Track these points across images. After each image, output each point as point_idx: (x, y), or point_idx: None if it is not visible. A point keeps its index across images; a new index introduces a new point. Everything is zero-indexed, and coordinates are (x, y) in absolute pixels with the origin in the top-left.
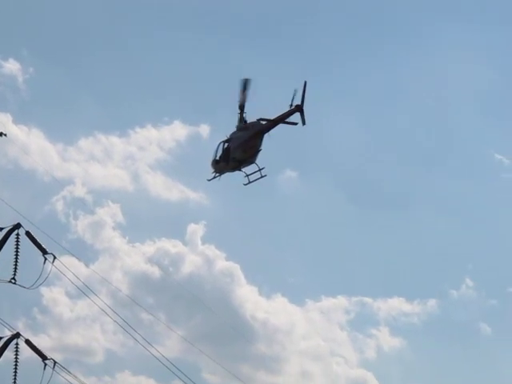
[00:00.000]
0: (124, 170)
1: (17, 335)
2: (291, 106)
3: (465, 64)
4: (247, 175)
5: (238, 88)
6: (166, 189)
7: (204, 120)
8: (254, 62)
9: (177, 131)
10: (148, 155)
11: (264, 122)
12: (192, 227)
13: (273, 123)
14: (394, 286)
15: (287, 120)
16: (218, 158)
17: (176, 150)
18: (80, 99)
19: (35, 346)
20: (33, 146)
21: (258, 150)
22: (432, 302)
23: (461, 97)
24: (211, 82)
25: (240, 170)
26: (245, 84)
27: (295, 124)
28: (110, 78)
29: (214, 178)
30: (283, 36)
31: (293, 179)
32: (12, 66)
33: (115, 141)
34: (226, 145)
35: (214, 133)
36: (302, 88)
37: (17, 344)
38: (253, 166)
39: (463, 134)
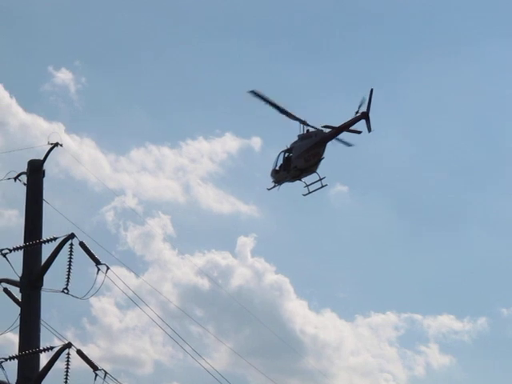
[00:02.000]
0: (175, 182)
1: (68, 345)
2: (357, 113)
3: None
4: (307, 185)
5: (291, 100)
6: (216, 201)
7: (256, 132)
8: (305, 73)
9: (228, 143)
10: (199, 167)
11: (328, 130)
12: (242, 240)
13: (337, 131)
14: (443, 303)
15: (351, 128)
16: (277, 167)
17: (227, 163)
18: (132, 110)
19: (86, 357)
20: (85, 155)
21: (320, 159)
22: (482, 320)
23: None
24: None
25: (300, 179)
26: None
27: (359, 132)
28: (162, 89)
29: (274, 187)
30: (334, 48)
31: (343, 194)
32: (64, 75)
33: (167, 152)
34: (287, 154)
35: (266, 145)
36: (369, 95)
37: (68, 354)
38: (312, 175)
39: None
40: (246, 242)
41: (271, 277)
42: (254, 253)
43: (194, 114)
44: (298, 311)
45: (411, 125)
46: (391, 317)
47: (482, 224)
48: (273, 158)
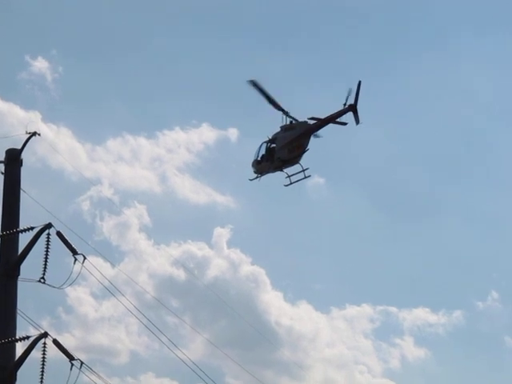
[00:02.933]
0: (151, 172)
1: (44, 335)
2: (345, 105)
3: (495, 75)
4: (289, 176)
5: (274, 92)
6: (193, 192)
7: (233, 123)
8: (283, 64)
9: (205, 134)
10: (176, 157)
11: (313, 122)
12: (218, 231)
13: (322, 123)
14: (419, 295)
15: (338, 120)
16: (259, 158)
17: (204, 153)
18: (109, 99)
19: (63, 346)
20: (61, 144)
21: (304, 151)
22: (457, 313)
23: (489, 107)
24: (241, 86)
25: (282, 170)
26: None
27: (345, 124)
28: (139, 79)
29: (256, 178)
30: (315, 39)
31: (320, 185)
32: (41, 64)
33: (143, 142)
34: (270, 145)
35: (243, 136)
36: (356, 87)
37: (44, 343)
38: (295, 166)
39: (490, 145)
40: (222, 233)
41: (247, 268)
42: (230, 244)
43: (170, 104)
44: (273, 303)
45: (388, 118)
46: (366, 309)
47: (458, 217)
48: (249, 149)
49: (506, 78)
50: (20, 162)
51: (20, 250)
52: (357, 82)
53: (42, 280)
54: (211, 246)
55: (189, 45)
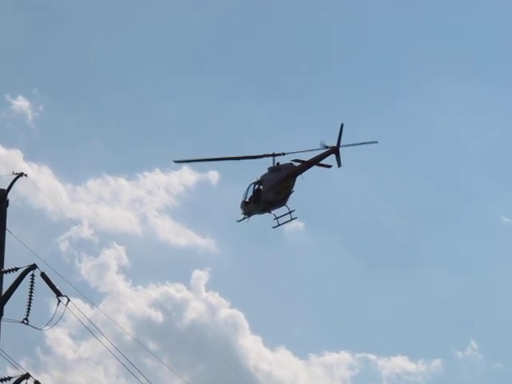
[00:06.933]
0: (132, 213)
1: (26, 376)
2: (326, 147)
3: (476, 123)
4: (276, 218)
5: (249, 135)
6: (173, 233)
7: (213, 166)
8: (266, 107)
9: (185, 177)
10: (156, 199)
11: (297, 164)
12: (197, 273)
13: (307, 165)
14: (398, 344)
15: (321, 162)
16: (247, 199)
17: (184, 196)
18: (89, 140)
19: None
20: (42, 184)
21: (290, 192)
22: (437, 362)
23: (474, 156)
24: (221, 129)
25: (269, 212)
26: None
27: (329, 167)
28: (120, 120)
29: (244, 219)
30: (299, 83)
31: (299, 230)
32: (21, 103)
33: (123, 183)
34: (257, 186)
35: (223, 179)
36: (339, 130)
37: None
38: (282, 208)
39: (472, 195)
40: (200, 276)
41: (226, 311)
42: (209, 287)
43: (151, 146)
44: (252, 347)
45: (369, 164)
46: (345, 356)
47: (438, 265)
48: (230, 192)
49: (491, 127)
50: (6, 203)
51: (4, 291)
52: (341, 124)
53: (26, 321)
54: (189, 289)
55: (170, 87)
